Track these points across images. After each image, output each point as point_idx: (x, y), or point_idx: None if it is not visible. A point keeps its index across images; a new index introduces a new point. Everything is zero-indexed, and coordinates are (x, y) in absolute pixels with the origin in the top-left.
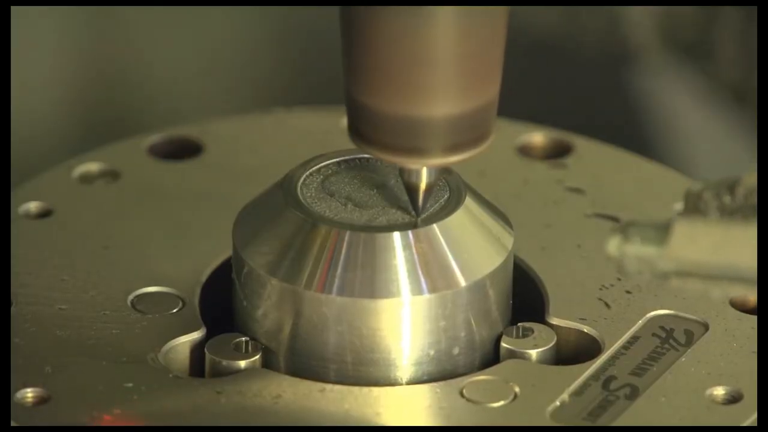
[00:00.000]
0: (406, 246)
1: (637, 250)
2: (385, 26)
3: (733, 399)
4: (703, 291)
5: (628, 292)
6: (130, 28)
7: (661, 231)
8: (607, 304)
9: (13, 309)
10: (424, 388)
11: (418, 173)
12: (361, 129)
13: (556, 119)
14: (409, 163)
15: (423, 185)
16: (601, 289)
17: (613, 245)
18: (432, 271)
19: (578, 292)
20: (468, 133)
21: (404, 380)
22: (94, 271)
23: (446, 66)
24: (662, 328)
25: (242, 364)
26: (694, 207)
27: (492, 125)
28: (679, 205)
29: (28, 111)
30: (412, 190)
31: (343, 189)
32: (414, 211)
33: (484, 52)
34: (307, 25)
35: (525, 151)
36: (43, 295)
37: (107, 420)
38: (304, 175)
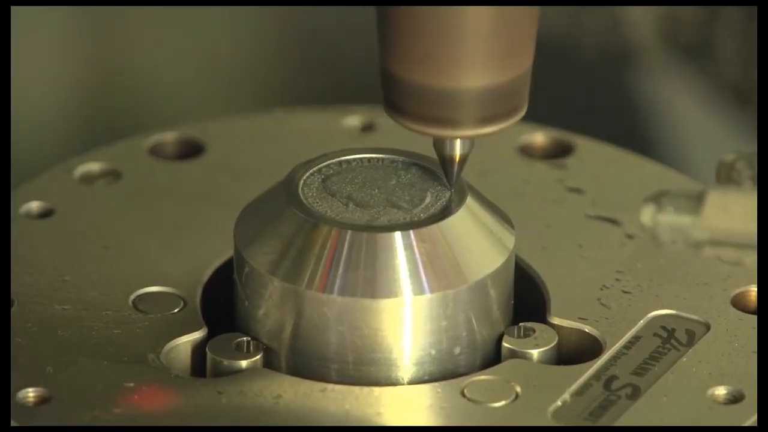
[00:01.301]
0: (408, 246)
1: (670, 220)
2: None
3: (735, 399)
4: (737, 259)
5: (629, 292)
6: (131, 28)
7: (695, 200)
8: (608, 305)
9: (14, 309)
10: (425, 388)
11: (452, 144)
12: (394, 101)
13: (557, 119)
14: (443, 135)
15: (457, 156)
16: (602, 289)
17: (647, 215)
18: (433, 271)
19: (579, 292)
20: (501, 104)
21: (405, 380)
22: (96, 271)
23: (479, 37)
24: (663, 328)
25: (243, 363)
26: (727, 176)
27: (525, 98)
28: None
29: (29, 111)
30: (445, 161)
31: (345, 189)
32: (447, 182)
33: (518, 24)
34: (309, 25)
35: (526, 151)
36: (44, 295)
37: (109, 419)
38: (306, 175)
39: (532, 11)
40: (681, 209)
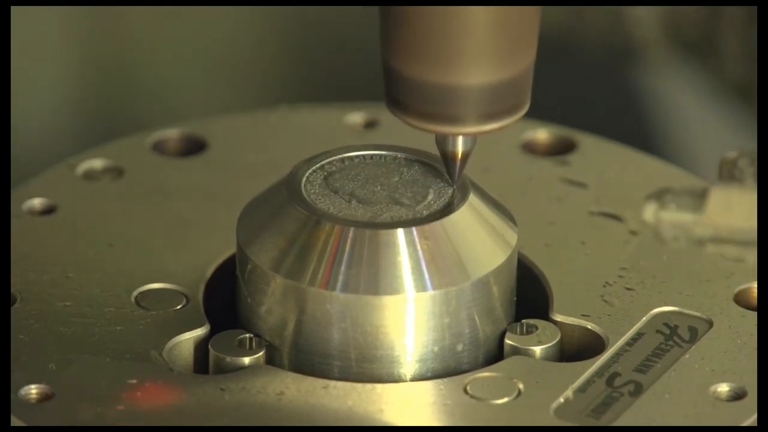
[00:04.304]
0: (410, 242)
1: (672, 217)
2: None
3: (737, 396)
4: (739, 257)
5: (631, 288)
6: (134, 25)
7: (697, 198)
8: (610, 301)
9: (17, 306)
10: (427, 385)
11: (454, 141)
12: (397, 97)
13: (561, 116)
14: (445, 131)
15: (459, 153)
16: (605, 285)
17: (650, 212)
18: (436, 268)
19: (582, 288)
20: (504, 101)
21: (408, 377)
22: (98, 267)
23: (482, 34)
24: (666, 324)
25: (246, 360)
26: (729, 174)
27: (527, 94)
28: None
29: (33, 107)
30: (448, 158)
31: (347, 185)
32: (450, 179)
33: (520, 21)
34: (312, 22)
35: (529, 147)
36: (47, 291)
37: (111, 416)
38: (308, 172)
39: (535, 8)
40: (683, 206)
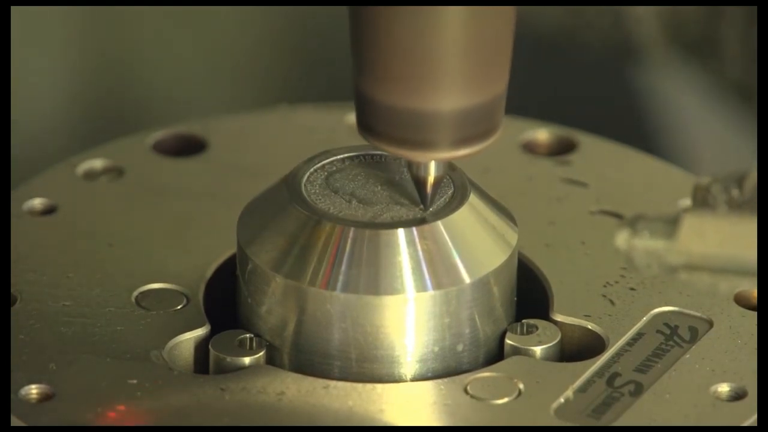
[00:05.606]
0: (411, 243)
1: (645, 244)
2: (393, 20)
3: (738, 396)
4: (712, 285)
5: (632, 288)
6: (134, 25)
7: (670, 224)
8: (611, 301)
9: (17, 306)
10: (428, 385)
11: (426, 167)
12: (368, 122)
13: (561, 116)
14: (417, 157)
15: (431, 179)
16: (605, 285)
17: (622, 239)
18: (436, 268)
19: (582, 288)
20: (476, 126)
21: (408, 377)
22: (99, 267)
23: (454, 60)
24: (666, 324)
25: (246, 360)
26: (702, 200)
27: (500, 119)
28: (683, 202)
29: (33, 107)
30: (420, 183)
31: (348, 185)
32: (422, 204)
33: (492, 46)
34: (312, 21)
35: (529, 147)
36: (47, 291)
37: (111, 417)
38: (309, 172)
39: (507, 33)
40: (656, 233)
